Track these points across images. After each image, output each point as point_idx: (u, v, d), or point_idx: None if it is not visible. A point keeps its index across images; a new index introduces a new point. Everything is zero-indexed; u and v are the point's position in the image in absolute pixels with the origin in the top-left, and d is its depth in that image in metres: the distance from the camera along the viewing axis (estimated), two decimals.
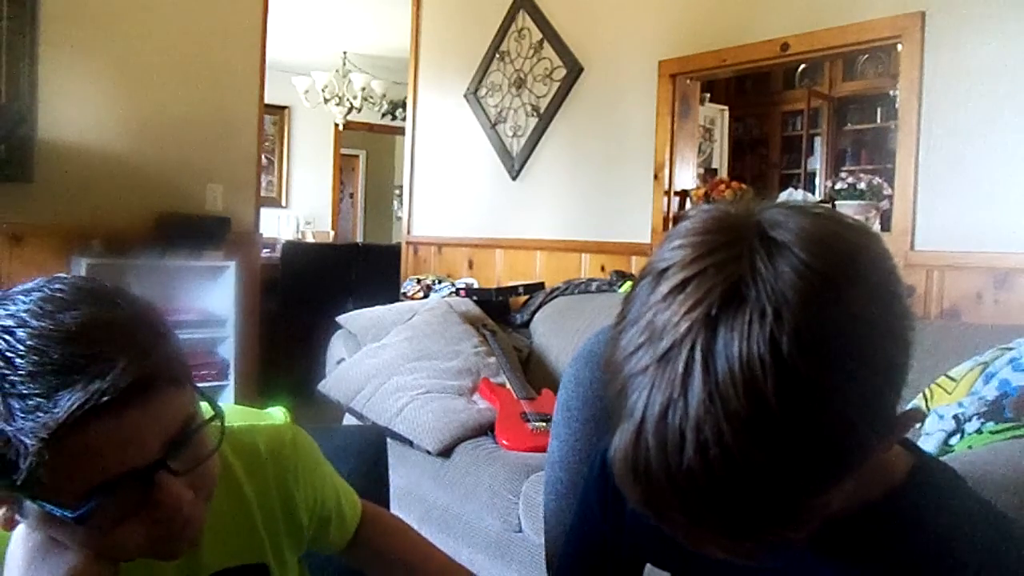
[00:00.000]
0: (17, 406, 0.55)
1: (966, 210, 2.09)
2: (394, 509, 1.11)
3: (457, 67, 3.79)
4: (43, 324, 0.57)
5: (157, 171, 3.28)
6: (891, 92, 4.86)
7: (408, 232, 4.10)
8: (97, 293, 0.62)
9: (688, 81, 2.89)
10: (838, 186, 2.51)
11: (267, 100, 3.70)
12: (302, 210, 7.23)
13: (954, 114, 2.11)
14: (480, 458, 2.09)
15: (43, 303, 0.59)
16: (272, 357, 4.02)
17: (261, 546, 0.80)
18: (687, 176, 2.96)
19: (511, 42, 3.50)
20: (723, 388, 0.45)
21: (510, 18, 3.50)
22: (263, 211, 3.76)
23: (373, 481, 1.13)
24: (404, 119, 4.24)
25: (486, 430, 2.22)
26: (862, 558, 0.59)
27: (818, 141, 5.72)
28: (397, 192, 8.55)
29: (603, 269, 3.05)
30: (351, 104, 6.18)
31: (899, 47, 2.26)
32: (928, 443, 1.36)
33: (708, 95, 4.83)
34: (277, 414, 0.87)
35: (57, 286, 0.61)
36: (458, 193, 3.83)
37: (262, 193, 3.73)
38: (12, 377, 0.56)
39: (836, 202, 2.46)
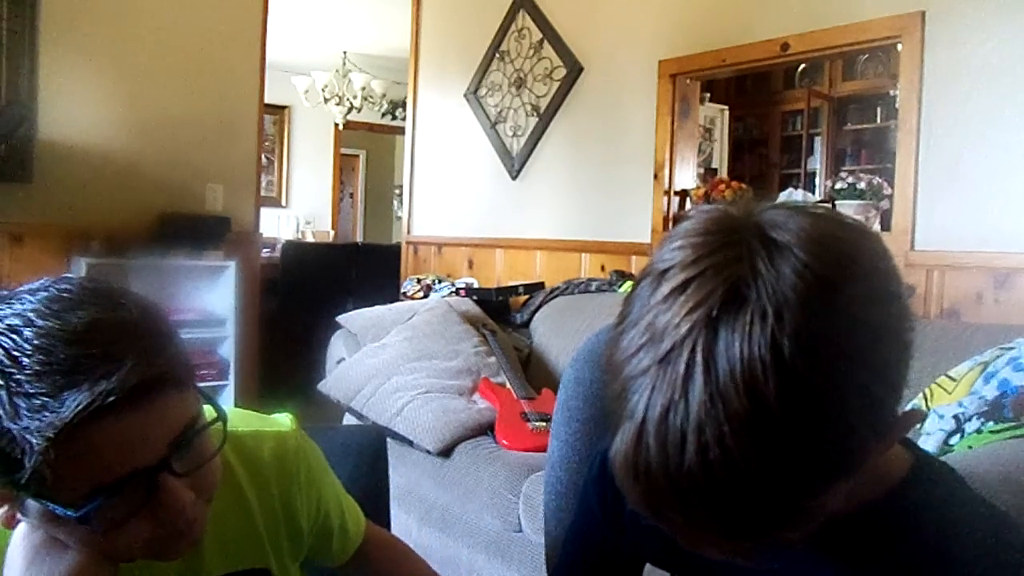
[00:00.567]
0: (23, 405, 0.55)
1: (966, 210, 2.09)
2: (394, 509, 1.11)
3: (457, 67, 3.79)
4: (50, 324, 0.58)
5: (157, 171, 3.28)
6: (891, 92, 4.86)
7: (408, 232, 4.10)
8: (103, 294, 0.62)
9: (688, 81, 2.89)
10: (838, 186, 2.51)
11: (267, 100, 3.70)
12: (302, 210, 7.23)
13: (954, 114, 2.11)
14: (480, 458, 2.09)
15: (50, 303, 0.59)
16: (272, 357, 4.02)
17: (263, 551, 0.80)
18: (687, 176, 2.96)
19: (511, 42, 3.50)
20: (724, 389, 0.45)
21: (510, 18, 3.50)
22: (263, 211, 3.77)
23: (373, 481, 1.13)
24: (404, 119, 4.24)
25: (486, 430, 2.22)
26: (862, 558, 0.59)
27: (818, 141, 5.72)
28: (397, 192, 8.55)
29: (603, 269, 3.05)
30: (351, 104, 6.18)
31: (899, 47, 2.26)
32: (928, 443, 1.36)
33: (708, 95, 4.83)
34: (284, 420, 0.86)
35: (64, 286, 0.61)
36: (458, 193, 3.83)
37: (262, 193, 3.73)
38: (18, 376, 0.56)
39: (836, 202, 2.46)
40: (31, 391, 0.55)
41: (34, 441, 0.54)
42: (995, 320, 1.96)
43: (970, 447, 1.30)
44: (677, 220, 2.41)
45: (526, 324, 2.97)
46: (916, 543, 0.57)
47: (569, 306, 2.79)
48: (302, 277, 4.82)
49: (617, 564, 0.81)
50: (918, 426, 1.42)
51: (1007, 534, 0.58)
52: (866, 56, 5.18)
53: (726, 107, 5.28)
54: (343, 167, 7.98)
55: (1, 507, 0.62)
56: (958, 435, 1.35)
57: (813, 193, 4.87)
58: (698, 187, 2.94)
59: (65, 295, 0.60)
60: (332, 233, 7.26)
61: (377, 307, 2.91)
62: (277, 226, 6.58)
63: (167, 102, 3.30)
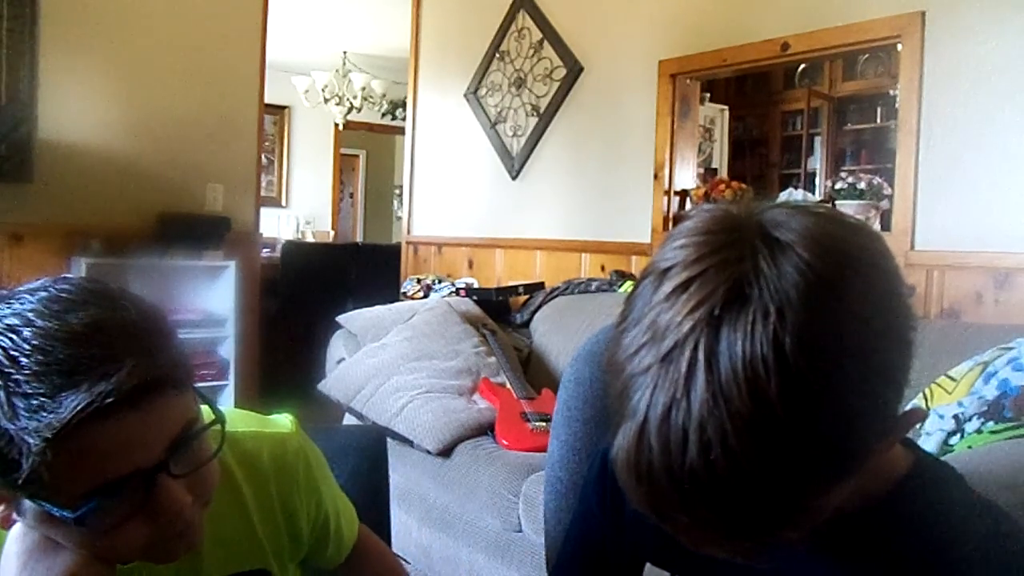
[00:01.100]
0: (21, 405, 0.55)
1: (966, 210, 2.09)
2: (394, 509, 1.11)
3: (457, 67, 3.79)
4: (49, 324, 0.58)
5: (157, 171, 3.28)
6: (891, 92, 4.86)
7: (408, 232, 4.10)
8: (103, 294, 0.62)
9: (688, 81, 2.89)
10: (838, 186, 2.51)
11: (267, 100, 3.70)
12: (302, 210, 7.23)
13: (954, 114, 2.11)
14: (480, 458, 2.09)
15: (49, 303, 0.59)
16: (272, 357, 4.02)
17: (262, 552, 0.80)
18: (687, 176, 2.96)
19: (511, 42, 3.50)
20: (726, 388, 0.45)
21: (510, 18, 3.50)
22: (263, 211, 3.77)
23: (373, 481, 1.13)
24: (404, 119, 4.24)
25: (486, 430, 2.22)
26: (863, 557, 0.59)
27: (818, 141, 5.72)
28: (397, 192, 8.55)
29: (603, 269, 3.05)
30: (351, 104, 6.18)
31: (899, 47, 2.26)
32: (928, 443, 1.36)
33: (708, 95, 4.83)
34: (284, 421, 0.86)
35: (63, 286, 0.61)
36: (458, 193, 3.83)
37: (262, 193, 3.73)
38: (16, 376, 0.56)
39: (836, 202, 2.46)
40: (29, 391, 0.55)
41: (32, 442, 0.54)
42: (995, 320, 1.96)
43: (970, 447, 1.30)
44: (677, 220, 2.42)
45: (526, 324, 2.97)
46: (917, 542, 0.57)
47: (569, 306, 2.79)
48: (302, 277, 4.82)
49: (617, 564, 0.81)
50: (918, 426, 1.42)
51: (1007, 534, 0.58)
52: (866, 56, 5.18)
53: (726, 107, 5.28)
54: (343, 167, 7.98)
55: None
56: (958, 435, 1.35)
57: (813, 193, 4.87)
58: (698, 187, 2.94)
59: (64, 295, 0.60)
60: (332, 233, 7.26)
61: (377, 307, 2.91)
62: (277, 226, 6.58)
63: (167, 102, 3.30)
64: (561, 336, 2.69)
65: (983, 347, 1.56)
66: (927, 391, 1.51)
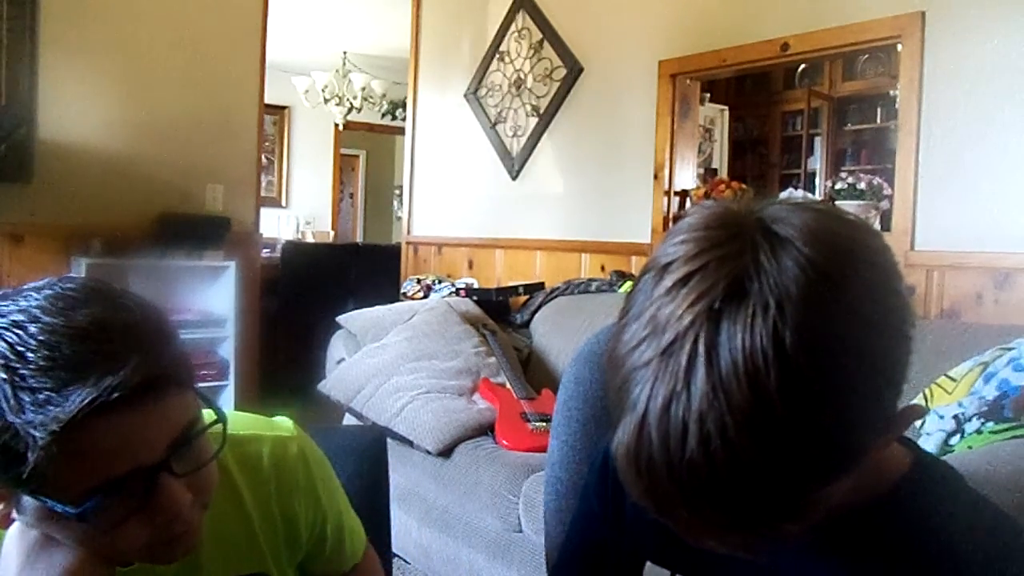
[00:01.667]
0: (27, 399, 0.55)
1: (966, 210, 2.09)
2: (394, 509, 1.11)
3: (457, 67, 3.79)
4: (55, 320, 0.58)
5: (157, 171, 3.28)
6: (891, 92, 4.86)
7: (408, 232, 4.10)
8: (106, 294, 0.63)
9: (688, 81, 2.89)
10: (838, 186, 2.51)
11: (267, 100, 3.70)
12: (302, 210, 7.23)
13: (954, 114, 2.11)
14: (480, 458, 2.09)
15: (55, 300, 0.60)
16: (272, 357, 4.02)
17: (262, 555, 0.80)
18: (687, 176, 2.96)
19: (511, 42, 3.50)
20: (726, 381, 0.45)
21: (510, 18, 3.50)
22: (263, 211, 3.77)
23: (373, 481, 1.13)
24: (404, 119, 4.24)
25: (486, 430, 2.22)
26: (862, 555, 0.59)
27: (818, 141, 5.72)
28: (397, 192, 8.55)
29: (603, 269, 3.05)
30: (351, 104, 6.17)
31: (899, 47, 2.26)
32: (928, 443, 1.36)
33: (708, 95, 4.83)
34: (286, 424, 0.85)
35: (68, 285, 0.62)
36: (458, 193, 3.83)
37: (262, 193, 3.73)
38: (23, 371, 0.56)
39: (836, 202, 2.46)
40: (36, 386, 0.55)
41: (37, 435, 0.55)
42: (995, 320, 1.96)
43: (970, 447, 1.30)
44: (677, 220, 2.41)
45: (526, 324, 2.97)
46: (916, 541, 0.58)
47: (569, 306, 2.79)
48: (302, 277, 4.82)
49: (617, 563, 0.81)
50: (918, 426, 1.42)
51: (1006, 533, 0.58)
52: (866, 56, 5.18)
53: (726, 107, 5.28)
54: (343, 167, 7.98)
55: None
56: (958, 435, 1.35)
57: (813, 193, 4.87)
58: (698, 187, 2.94)
59: (70, 293, 0.61)
60: (332, 233, 7.25)
61: (377, 307, 2.91)
62: (277, 226, 6.58)
63: (167, 102, 3.30)
64: (561, 336, 2.69)
65: (983, 347, 1.56)
66: (927, 391, 1.51)
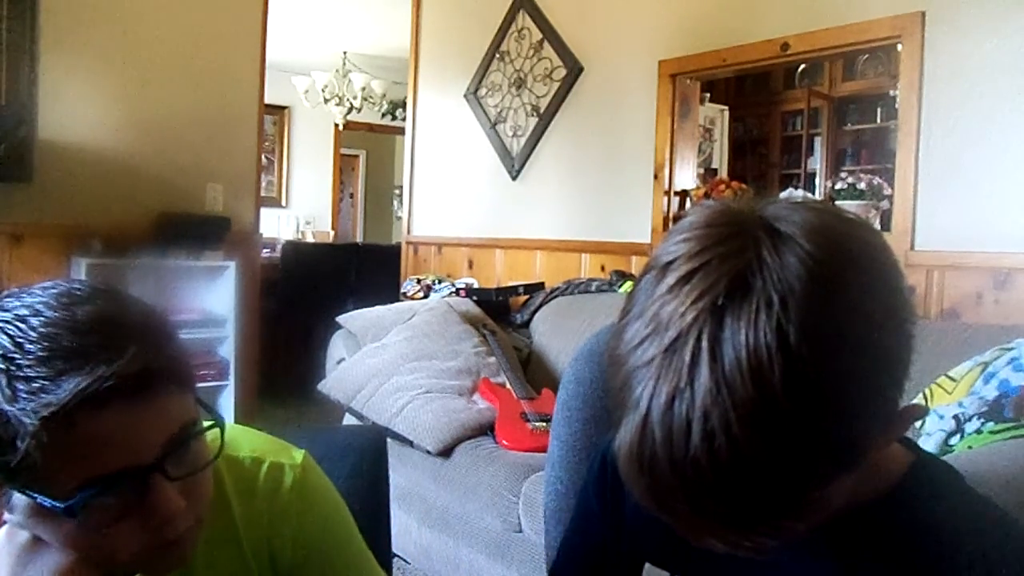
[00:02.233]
0: (22, 388, 0.55)
1: (966, 210, 2.09)
2: (394, 509, 1.11)
3: (457, 67, 3.79)
4: (57, 315, 0.58)
5: (157, 171, 3.28)
6: (891, 92, 4.86)
7: (408, 232, 4.10)
8: (110, 293, 0.63)
9: (688, 81, 2.89)
10: (838, 186, 2.51)
11: (267, 100, 3.70)
12: (302, 210, 7.23)
13: (954, 114, 2.11)
14: (480, 458, 2.09)
15: (59, 296, 0.60)
16: (272, 357, 4.01)
17: (250, 574, 0.78)
18: (687, 176, 2.96)
19: (511, 42, 3.50)
20: (730, 377, 0.45)
21: (510, 18, 3.50)
22: (263, 211, 3.76)
23: (373, 481, 1.13)
24: (404, 119, 4.24)
25: (486, 430, 2.22)
26: (862, 555, 0.59)
27: (818, 141, 5.72)
28: (397, 192, 8.55)
29: (603, 269, 3.05)
30: (351, 104, 6.18)
31: (899, 47, 2.26)
32: (928, 443, 1.36)
33: (708, 95, 4.83)
34: (294, 453, 0.81)
35: (74, 284, 0.63)
36: (458, 193, 3.83)
37: (262, 193, 3.73)
38: (20, 361, 0.56)
39: (836, 202, 2.46)
40: (31, 375, 0.56)
41: (27, 421, 0.54)
42: (995, 320, 1.96)
43: (970, 447, 1.30)
44: (677, 220, 2.41)
45: (526, 324, 2.97)
46: (917, 541, 0.58)
47: (569, 306, 2.79)
48: (302, 277, 4.82)
49: (616, 563, 0.81)
50: (918, 426, 1.42)
51: (1006, 533, 0.58)
52: (866, 56, 5.18)
53: (726, 107, 5.28)
54: (343, 167, 7.98)
55: None
56: (958, 435, 1.35)
57: (813, 193, 4.88)
58: (698, 187, 2.94)
59: (75, 292, 0.61)
60: (332, 233, 7.26)
61: (377, 307, 2.91)
62: (277, 226, 6.58)
63: (167, 102, 3.30)
64: (561, 336, 2.69)
65: (983, 347, 1.56)
66: (927, 391, 1.51)
